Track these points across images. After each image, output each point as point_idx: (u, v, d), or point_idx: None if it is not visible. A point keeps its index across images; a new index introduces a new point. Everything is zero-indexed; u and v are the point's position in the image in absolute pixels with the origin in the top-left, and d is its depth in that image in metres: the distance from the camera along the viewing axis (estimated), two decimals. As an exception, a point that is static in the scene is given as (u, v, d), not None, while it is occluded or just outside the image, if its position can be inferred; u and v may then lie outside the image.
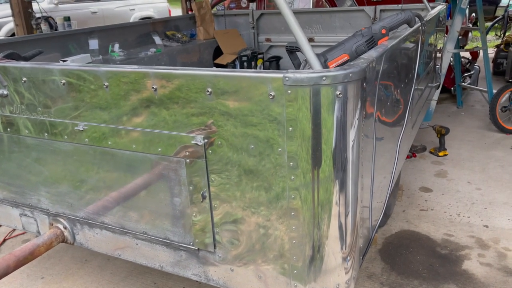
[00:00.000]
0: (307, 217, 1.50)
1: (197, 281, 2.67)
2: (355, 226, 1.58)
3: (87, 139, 1.80)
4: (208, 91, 1.48)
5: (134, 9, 11.18)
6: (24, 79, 1.83)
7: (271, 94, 1.38)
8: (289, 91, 1.34)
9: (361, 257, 1.75)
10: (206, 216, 1.67)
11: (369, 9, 4.39)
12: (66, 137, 1.84)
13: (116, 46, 3.75)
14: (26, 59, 2.17)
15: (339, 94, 1.32)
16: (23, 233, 3.40)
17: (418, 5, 4.17)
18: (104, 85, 1.66)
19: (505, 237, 2.99)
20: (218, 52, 4.84)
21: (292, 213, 1.52)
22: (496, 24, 9.06)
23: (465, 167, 4.10)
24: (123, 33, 4.08)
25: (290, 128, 1.39)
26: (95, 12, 9.93)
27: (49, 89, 1.79)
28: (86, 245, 2.06)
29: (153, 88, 1.58)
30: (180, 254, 1.80)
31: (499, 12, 10.05)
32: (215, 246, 1.70)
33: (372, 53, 1.61)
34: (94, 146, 1.80)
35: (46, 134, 1.89)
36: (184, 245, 1.76)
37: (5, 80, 1.89)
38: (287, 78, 1.33)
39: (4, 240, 3.32)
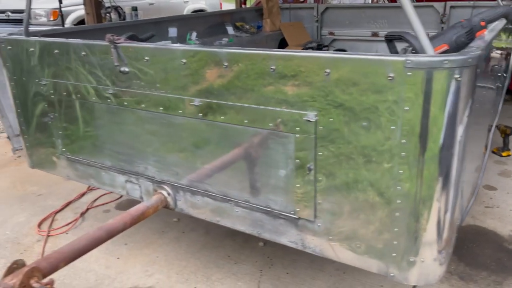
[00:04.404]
0: (410, 207, 1.59)
1: (262, 257, 2.85)
2: (452, 222, 1.66)
3: (201, 114, 1.99)
4: (326, 72, 1.62)
5: (187, 1, 11.56)
6: (147, 58, 2.04)
7: (390, 76, 1.50)
8: (409, 73, 1.46)
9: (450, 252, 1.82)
10: (310, 188, 1.81)
11: (438, 5, 4.39)
12: (180, 111, 2.04)
13: (194, 34, 3.98)
14: (142, 40, 2.41)
15: (458, 78, 1.43)
16: (104, 204, 3.70)
17: (490, 2, 4.14)
18: (224, 65, 1.84)
19: None
20: (283, 44, 4.99)
21: (398, 201, 1.62)
22: None
23: (531, 168, 4.05)
24: (198, 22, 4.31)
25: (406, 108, 1.51)
26: (152, 4, 10.35)
27: (170, 68, 2.00)
28: (187, 211, 2.27)
29: (271, 68, 1.73)
30: (279, 222, 1.96)
31: None
32: (315, 216, 1.84)
33: (480, 43, 1.69)
34: (207, 121, 1.98)
35: (161, 108, 2.10)
36: (285, 214, 1.92)
37: (126, 58, 2.12)
38: (408, 61, 1.45)
39: (87, 209, 3.64)
